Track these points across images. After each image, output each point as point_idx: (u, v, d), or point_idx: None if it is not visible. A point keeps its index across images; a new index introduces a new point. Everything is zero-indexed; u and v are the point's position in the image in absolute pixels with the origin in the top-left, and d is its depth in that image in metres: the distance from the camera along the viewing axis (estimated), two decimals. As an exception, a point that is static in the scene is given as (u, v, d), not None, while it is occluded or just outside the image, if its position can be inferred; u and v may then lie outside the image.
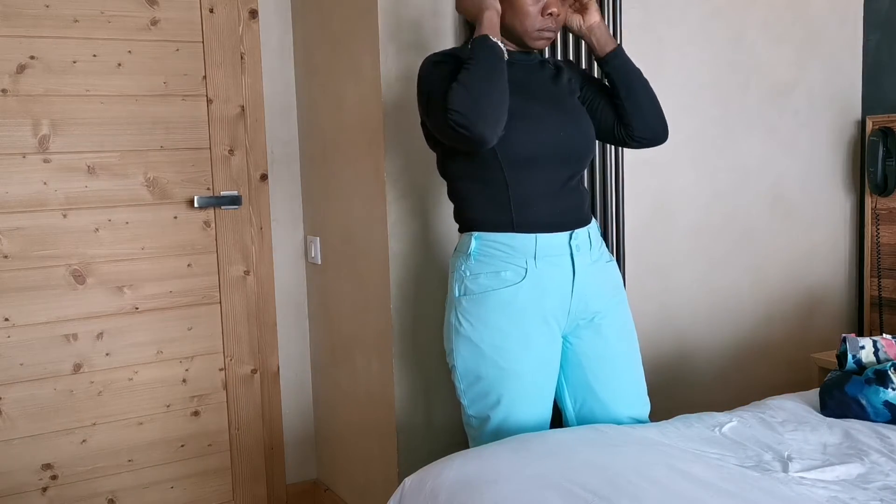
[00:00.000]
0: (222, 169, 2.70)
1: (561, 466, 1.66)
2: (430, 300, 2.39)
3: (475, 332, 1.87)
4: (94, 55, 2.50)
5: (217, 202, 2.68)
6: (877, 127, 2.94)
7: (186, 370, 2.72)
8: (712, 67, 2.82)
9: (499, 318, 1.86)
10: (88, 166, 2.52)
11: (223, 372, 2.77)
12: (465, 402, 1.95)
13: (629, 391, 2.04)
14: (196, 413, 2.75)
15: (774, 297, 3.02)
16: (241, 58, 2.71)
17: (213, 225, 2.70)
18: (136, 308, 2.63)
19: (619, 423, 2.01)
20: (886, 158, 2.90)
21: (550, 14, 1.83)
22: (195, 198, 2.63)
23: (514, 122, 1.81)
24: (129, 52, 2.55)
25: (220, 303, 2.74)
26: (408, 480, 1.77)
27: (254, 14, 2.73)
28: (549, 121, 1.88)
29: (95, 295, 2.57)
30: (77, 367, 2.56)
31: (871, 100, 3.10)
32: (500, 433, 1.91)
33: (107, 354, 2.60)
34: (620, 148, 2.57)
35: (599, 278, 1.96)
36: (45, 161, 2.47)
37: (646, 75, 2.71)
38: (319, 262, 2.80)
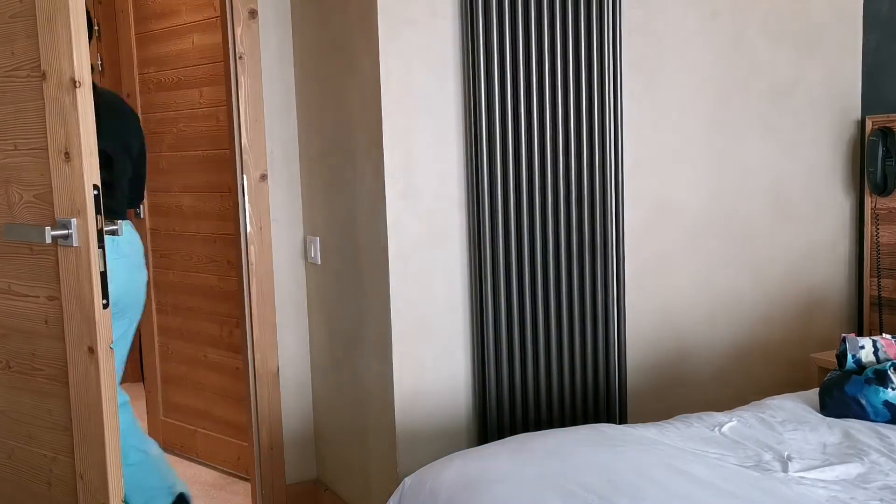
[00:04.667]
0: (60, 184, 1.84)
1: (561, 466, 1.66)
2: (430, 300, 2.39)
3: None
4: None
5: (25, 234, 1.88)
6: (877, 127, 2.94)
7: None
8: (712, 67, 2.82)
9: None
10: None
11: (223, 372, 2.76)
12: None
13: None
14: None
15: (774, 297, 3.02)
16: (240, 58, 2.71)
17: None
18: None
19: None
20: (886, 158, 2.90)
21: None
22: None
23: None
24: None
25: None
26: (408, 480, 1.77)
27: (253, 14, 2.73)
28: None
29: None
30: None
31: (871, 100, 3.10)
32: None
33: None
34: (620, 148, 2.58)
35: None
36: None
37: (646, 75, 2.72)
38: (319, 262, 2.80)
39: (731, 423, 1.97)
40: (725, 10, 2.81)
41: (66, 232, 1.75)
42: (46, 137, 1.78)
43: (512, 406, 2.49)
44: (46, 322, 1.86)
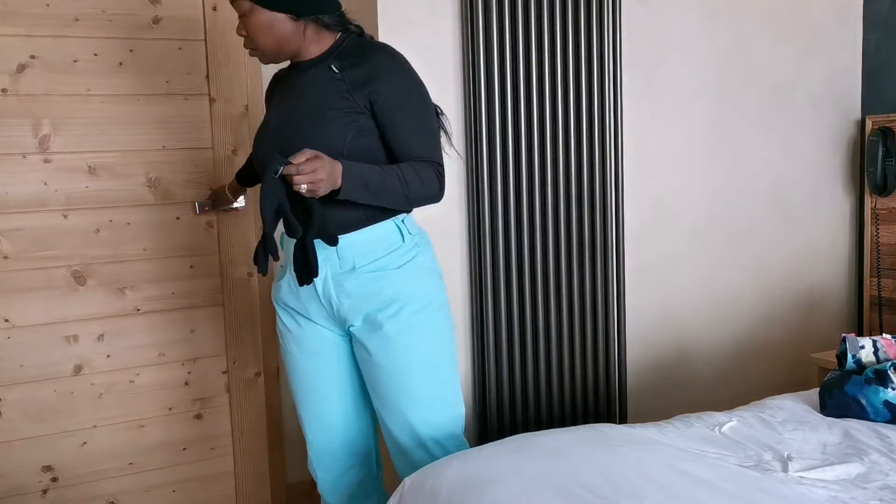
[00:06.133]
0: (225, 170, 2.70)
1: (561, 466, 1.66)
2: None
3: None
4: (95, 54, 2.50)
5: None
6: (876, 127, 2.94)
7: (189, 373, 2.70)
8: (712, 67, 2.82)
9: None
10: (89, 166, 2.52)
11: (226, 375, 2.76)
12: None
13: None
14: (199, 416, 2.73)
15: (774, 297, 3.02)
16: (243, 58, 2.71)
17: (215, 226, 2.70)
18: (138, 310, 2.62)
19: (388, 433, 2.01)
20: (886, 158, 2.90)
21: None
22: (196, 204, 2.63)
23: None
24: (131, 50, 2.54)
25: (224, 304, 2.73)
26: (408, 480, 1.77)
27: (254, 15, 2.74)
28: (270, 133, 1.94)
29: (96, 296, 2.57)
30: (78, 369, 2.56)
31: (871, 100, 3.10)
32: None
33: (108, 356, 2.59)
34: (620, 148, 2.58)
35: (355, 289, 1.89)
36: (46, 161, 2.47)
37: (646, 75, 2.72)
38: (320, 263, 2.79)
39: (731, 423, 1.97)
40: (725, 10, 2.81)
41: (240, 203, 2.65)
42: (211, 139, 2.65)
43: (512, 406, 2.50)
44: (192, 266, 2.66)
